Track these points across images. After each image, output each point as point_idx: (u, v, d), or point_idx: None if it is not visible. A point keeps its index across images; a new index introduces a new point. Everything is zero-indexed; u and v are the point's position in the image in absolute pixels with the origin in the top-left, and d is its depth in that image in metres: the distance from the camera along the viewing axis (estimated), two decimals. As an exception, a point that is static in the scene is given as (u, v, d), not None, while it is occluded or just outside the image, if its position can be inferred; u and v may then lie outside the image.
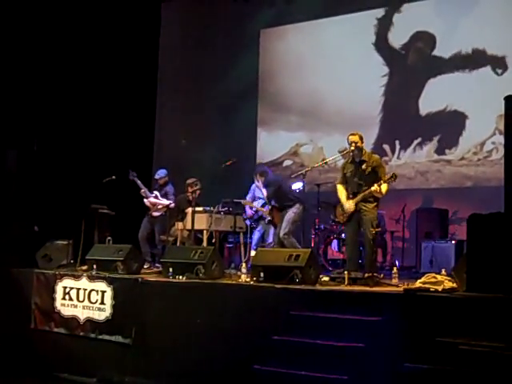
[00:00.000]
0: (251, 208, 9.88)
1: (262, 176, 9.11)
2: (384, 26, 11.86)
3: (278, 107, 13.06)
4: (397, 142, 11.63)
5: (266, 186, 9.05)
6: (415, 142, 11.46)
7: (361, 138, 7.70)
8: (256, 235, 9.82)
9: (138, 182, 10.09)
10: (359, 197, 7.51)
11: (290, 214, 8.80)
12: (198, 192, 9.68)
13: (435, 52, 11.38)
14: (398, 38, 11.72)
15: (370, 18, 11.95)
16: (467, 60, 10.99)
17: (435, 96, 11.28)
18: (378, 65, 11.80)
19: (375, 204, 7.55)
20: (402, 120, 11.68)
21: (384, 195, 7.54)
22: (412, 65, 11.68)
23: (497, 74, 10.69)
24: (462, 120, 11.03)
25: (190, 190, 9.73)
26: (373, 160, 7.65)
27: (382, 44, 11.85)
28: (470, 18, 11.00)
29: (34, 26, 11.27)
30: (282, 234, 8.70)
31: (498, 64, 10.68)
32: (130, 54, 12.70)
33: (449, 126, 11.16)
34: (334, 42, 12.34)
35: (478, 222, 6.10)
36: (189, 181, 9.91)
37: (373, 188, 7.36)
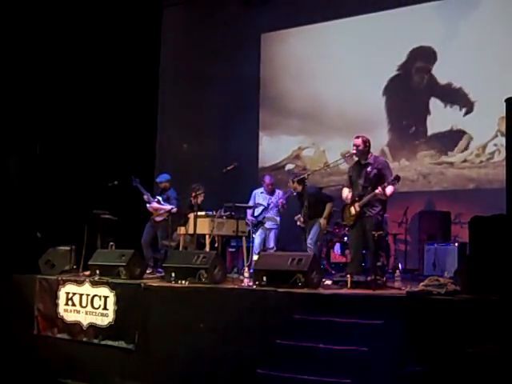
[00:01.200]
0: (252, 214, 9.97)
1: (300, 184, 9.15)
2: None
3: (279, 111, 13.05)
4: (398, 145, 11.63)
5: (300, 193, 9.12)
6: (417, 143, 11.47)
7: (365, 142, 7.70)
8: (257, 240, 9.84)
9: (141, 188, 10.10)
10: (363, 200, 7.51)
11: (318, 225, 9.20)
12: (201, 197, 9.70)
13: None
14: (398, 41, 11.71)
15: (372, 21, 11.93)
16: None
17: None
18: (379, 68, 11.79)
19: (380, 208, 7.55)
20: (403, 123, 11.66)
21: (389, 197, 7.53)
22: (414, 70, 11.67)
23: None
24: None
25: (192, 194, 9.73)
26: (378, 163, 7.65)
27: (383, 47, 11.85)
28: (469, 21, 11.01)
29: (35, 29, 11.26)
30: (309, 241, 8.96)
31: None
32: (132, 59, 12.71)
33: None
34: (335, 45, 12.33)
35: (480, 224, 6.10)
36: (193, 185, 9.90)
37: (376, 191, 7.36)
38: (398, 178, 7.38)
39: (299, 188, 9.09)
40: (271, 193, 10.20)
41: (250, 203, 10.11)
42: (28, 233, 9.76)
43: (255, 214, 10.05)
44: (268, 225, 10.03)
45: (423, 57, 11.49)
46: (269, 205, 10.03)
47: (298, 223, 9.07)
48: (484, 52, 10.71)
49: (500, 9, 10.72)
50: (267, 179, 10.31)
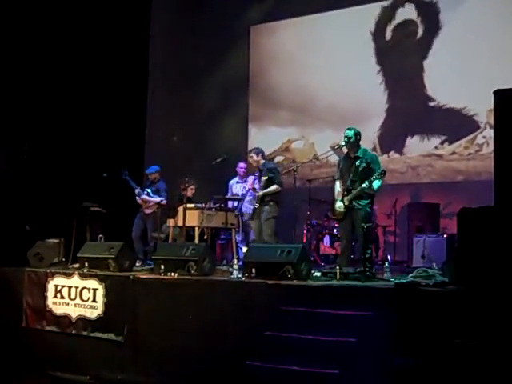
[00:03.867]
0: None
1: (263, 158, 8.94)
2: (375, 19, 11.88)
3: (268, 103, 13.06)
4: (387, 138, 11.66)
5: (264, 171, 8.82)
6: (407, 136, 11.50)
7: (356, 134, 7.69)
8: (240, 232, 9.82)
9: (130, 180, 10.09)
10: (352, 194, 7.51)
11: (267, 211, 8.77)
12: (192, 190, 9.69)
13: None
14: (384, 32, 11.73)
15: (361, 13, 11.93)
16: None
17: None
18: (368, 60, 11.79)
19: (369, 201, 7.56)
20: (392, 115, 11.67)
21: (377, 192, 7.54)
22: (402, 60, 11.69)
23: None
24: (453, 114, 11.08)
25: (182, 187, 9.71)
26: (367, 156, 7.64)
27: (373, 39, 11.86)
28: (457, 13, 11.04)
29: (21, 24, 11.17)
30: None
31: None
32: (120, 51, 12.63)
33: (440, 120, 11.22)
34: (324, 37, 12.34)
35: (468, 215, 6.12)
36: (184, 179, 9.87)
37: (363, 185, 7.37)
38: (383, 173, 7.38)
39: (257, 161, 8.92)
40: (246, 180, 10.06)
41: (229, 195, 10.00)
42: (17, 226, 9.72)
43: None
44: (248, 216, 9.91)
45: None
46: (244, 195, 9.84)
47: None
48: (471, 44, 10.75)
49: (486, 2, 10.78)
50: (240, 165, 10.17)
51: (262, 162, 8.91)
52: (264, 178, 8.67)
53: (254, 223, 8.86)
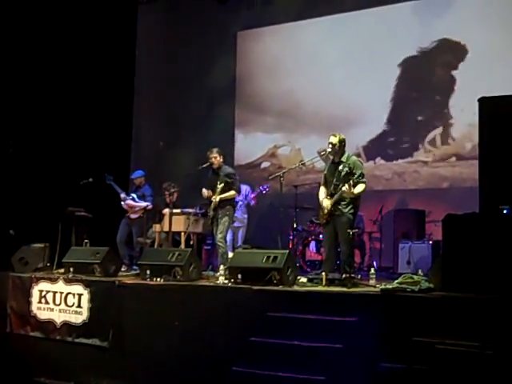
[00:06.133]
0: None
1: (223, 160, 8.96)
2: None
3: (255, 109, 13.06)
4: (372, 145, 11.70)
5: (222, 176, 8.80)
6: (391, 141, 11.56)
7: (341, 140, 7.72)
8: (228, 237, 9.82)
9: (115, 185, 10.07)
10: (334, 198, 7.53)
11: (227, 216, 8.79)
12: (175, 194, 9.67)
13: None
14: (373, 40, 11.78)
15: (346, 19, 11.99)
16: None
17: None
18: (353, 66, 11.83)
19: (351, 207, 7.56)
20: (378, 122, 11.71)
21: (356, 195, 7.50)
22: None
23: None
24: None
25: (166, 192, 9.69)
26: (350, 162, 7.65)
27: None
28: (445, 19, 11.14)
29: (8, 26, 11.15)
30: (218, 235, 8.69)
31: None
32: (107, 55, 12.62)
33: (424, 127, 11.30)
34: (310, 43, 12.37)
35: (453, 222, 6.16)
36: (165, 184, 9.87)
37: (343, 188, 7.39)
38: (361, 175, 7.40)
39: (219, 162, 8.87)
40: None
41: None
42: (1, 230, 9.65)
43: None
44: (236, 224, 9.96)
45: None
46: (236, 202, 9.91)
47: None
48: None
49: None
50: None
51: (221, 164, 8.92)
52: (221, 183, 8.64)
53: (214, 227, 8.78)
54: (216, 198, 8.59)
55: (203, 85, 12.96)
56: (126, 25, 13.44)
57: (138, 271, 8.40)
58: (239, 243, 9.98)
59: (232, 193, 8.71)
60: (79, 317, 7.86)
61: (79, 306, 7.88)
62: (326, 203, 7.62)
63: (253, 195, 10.24)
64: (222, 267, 7.62)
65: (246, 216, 10.22)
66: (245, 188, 10.12)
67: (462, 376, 5.17)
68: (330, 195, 7.62)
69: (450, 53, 11.11)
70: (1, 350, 8.35)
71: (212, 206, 8.64)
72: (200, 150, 11.85)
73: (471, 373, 5.16)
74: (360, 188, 7.45)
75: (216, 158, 8.82)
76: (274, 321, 6.35)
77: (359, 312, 6.01)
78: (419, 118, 11.39)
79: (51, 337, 8.09)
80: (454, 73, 11.09)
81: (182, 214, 9.32)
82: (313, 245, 10.35)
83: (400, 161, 11.47)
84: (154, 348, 7.13)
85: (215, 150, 8.88)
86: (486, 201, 6.50)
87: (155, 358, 7.09)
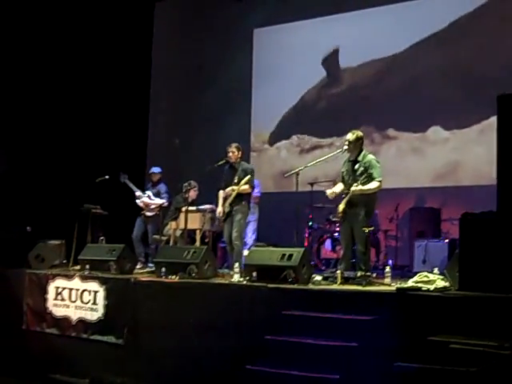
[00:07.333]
0: None
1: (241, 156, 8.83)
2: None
3: (271, 106, 12.97)
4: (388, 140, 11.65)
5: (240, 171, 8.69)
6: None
7: (358, 138, 7.65)
8: (253, 236, 9.80)
9: (130, 183, 10.08)
10: (346, 198, 7.46)
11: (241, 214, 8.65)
12: (195, 192, 9.67)
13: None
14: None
15: (366, 15, 11.91)
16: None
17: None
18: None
19: (365, 205, 7.48)
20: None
21: (365, 192, 7.38)
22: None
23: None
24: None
25: (185, 190, 9.66)
26: (366, 160, 7.58)
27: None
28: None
29: (22, 26, 11.19)
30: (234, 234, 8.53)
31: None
32: (124, 53, 12.67)
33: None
34: (328, 40, 12.31)
35: (470, 220, 6.11)
36: (185, 183, 9.82)
37: (352, 188, 7.34)
38: (376, 175, 7.40)
39: (236, 156, 8.73)
40: None
41: None
42: (18, 227, 9.70)
43: None
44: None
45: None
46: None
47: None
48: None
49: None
50: None
51: (239, 160, 8.84)
52: (239, 178, 8.56)
53: (226, 225, 8.66)
54: (233, 193, 8.51)
55: (219, 83, 12.95)
56: (143, 23, 13.49)
57: (153, 268, 8.43)
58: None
59: (246, 187, 8.62)
60: (95, 314, 7.89)
61: (95, 302, 7.91)
62: (341, 204, 7.56)
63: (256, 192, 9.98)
64: (236, 265, 7.61)
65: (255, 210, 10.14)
66: (256, 182, 10.00)
67: (477, 376, 5.11)
68: (345, 194, 7.55)
69: None
70: (17, 346, 8.41)
71: (229, 200, 8.53)
72: (216, 149, 11.89)
73: (487, 373, 5.10)
74: (371, 185, 7.39)
75: (234, 152, 8.69)
76: (288, 319, 6.33)
77: (374, 311, 5.98)
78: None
79: (67, 333, 8.13)
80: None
81: (198, 211, 9.30)
82: (328, 243, 10.31)
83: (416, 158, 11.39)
84: (167, 345, 7.14)
85: (234, 144, 8.78)
86: (504, 199, 6.42)
87: (169, 356, 7.11)
